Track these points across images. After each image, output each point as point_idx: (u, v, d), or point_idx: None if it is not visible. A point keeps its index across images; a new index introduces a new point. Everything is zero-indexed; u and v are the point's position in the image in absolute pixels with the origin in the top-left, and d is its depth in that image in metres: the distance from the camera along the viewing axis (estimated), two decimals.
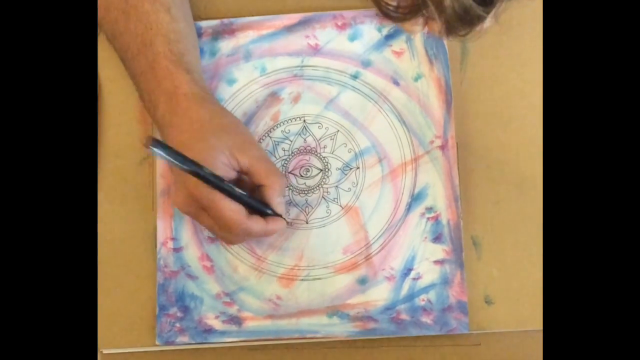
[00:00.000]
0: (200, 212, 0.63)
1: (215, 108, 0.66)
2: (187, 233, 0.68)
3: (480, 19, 0.47)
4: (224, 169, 0.62)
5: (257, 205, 0.63)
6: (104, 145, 0.70)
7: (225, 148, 0.62)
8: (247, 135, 0.66)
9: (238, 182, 0.64)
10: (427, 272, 0.66)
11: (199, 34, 0.72)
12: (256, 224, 0.63)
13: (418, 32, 0.54)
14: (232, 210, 0.61)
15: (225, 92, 0.71)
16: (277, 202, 0.64)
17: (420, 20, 0.52)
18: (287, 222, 0.67)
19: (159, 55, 0.65)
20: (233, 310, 0.67)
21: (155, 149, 0.57)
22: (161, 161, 0.69)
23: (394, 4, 0.48)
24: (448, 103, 0.69)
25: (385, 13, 0.50)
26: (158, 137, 0.64)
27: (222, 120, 0.65)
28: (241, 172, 0.64)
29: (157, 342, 0.66)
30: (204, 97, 0.65)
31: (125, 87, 0.71)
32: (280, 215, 0.65)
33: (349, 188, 0.69)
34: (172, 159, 0.58)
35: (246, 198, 0.62)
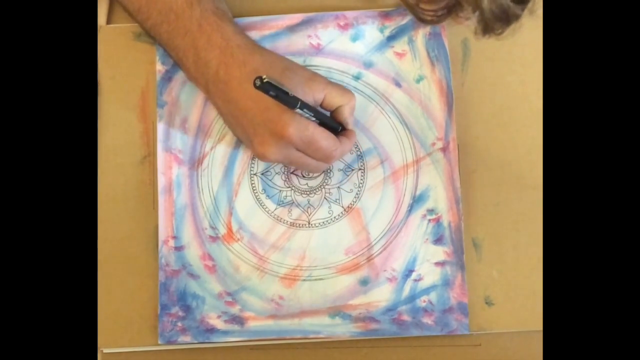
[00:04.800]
0: (292, 154, 0.64)
1: (270, 53, 0.67)
2: (188, 232, 0.68)
3: (517, 17, 0.47)
4: None
5: (336, 126, 0.66)
6: (104, 143, 0.70)
7: (296, 87, 0.63)
8: (306, 69, 0.67)
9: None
10: (428, 274, 0.67)
11: None
12: (345, 144, 0.66)
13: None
14: (327, 138, 0.63)
15: None
16: (351, 119, 0.67)
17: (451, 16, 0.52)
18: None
19: (207, 12, 0.65)
20: (235, 310, 0.67)
21: (264, 87, 0.57)
22: (162, 158, 0.69)
23: (430, 8, 0.48)
24: (449, 105, 0.70)
25: (420, 18, 0.50)
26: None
27: (281, 62, 0.66)
28: (315, 104, 0.65)
29: (159, 342, 0.66)
30: (254, 44, 0.66)
31: (125, 85, 0.71)
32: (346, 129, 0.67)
33: (350, 189, 0.69)
34: (280, 96, 0.58)
35: (331, 122, 0.65)
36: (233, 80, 0.64)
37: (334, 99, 0.65)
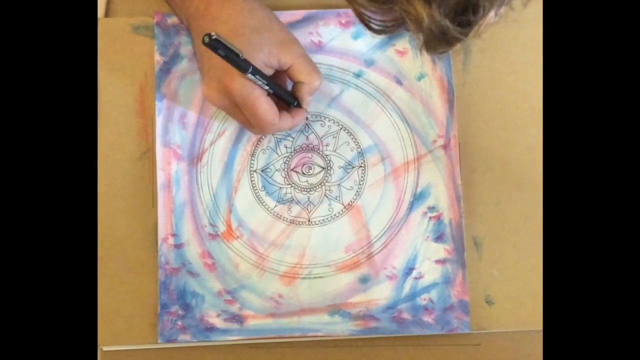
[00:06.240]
0: (233, 107, 0.64)
1: (255, 4, 0.66)
2: (187, 229, 0.68)
3: (457, 39, 0.47)
4: (261, 66, 0.62)
5: (290, 100, 0.66)
6: (103, 139, 0.69)
7: (265, 46, 0.63)
8: (286, 32, 0.67)
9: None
10: (429, 272, 0.67)
11: None
12: (285, 122, 0.65)
13: None
14: (267, 110, 0.63)
15: None
16: (309, 99, 0.67)
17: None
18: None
19: None
20: (234, 308, 0.66)
21: (212, 45, 0.56)
22: (161, 153, 0.68)
23: (377, 18, 0.48)
24: (450, 103, 0.70)
25: (369, 27, 0.50)
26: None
27: (262, 15, 0.65)
28: (279, 70, 0.65)
29: (159, 341, 0.65)
30: None
31: (123, 80, 0.70)
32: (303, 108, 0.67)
33: (351, 186, 0.69)
34: (230, 57, 0.57)
35: (285, 94, 0.65)
36: (209, 17, 0.64)
37: (299, 73, 0.65)
